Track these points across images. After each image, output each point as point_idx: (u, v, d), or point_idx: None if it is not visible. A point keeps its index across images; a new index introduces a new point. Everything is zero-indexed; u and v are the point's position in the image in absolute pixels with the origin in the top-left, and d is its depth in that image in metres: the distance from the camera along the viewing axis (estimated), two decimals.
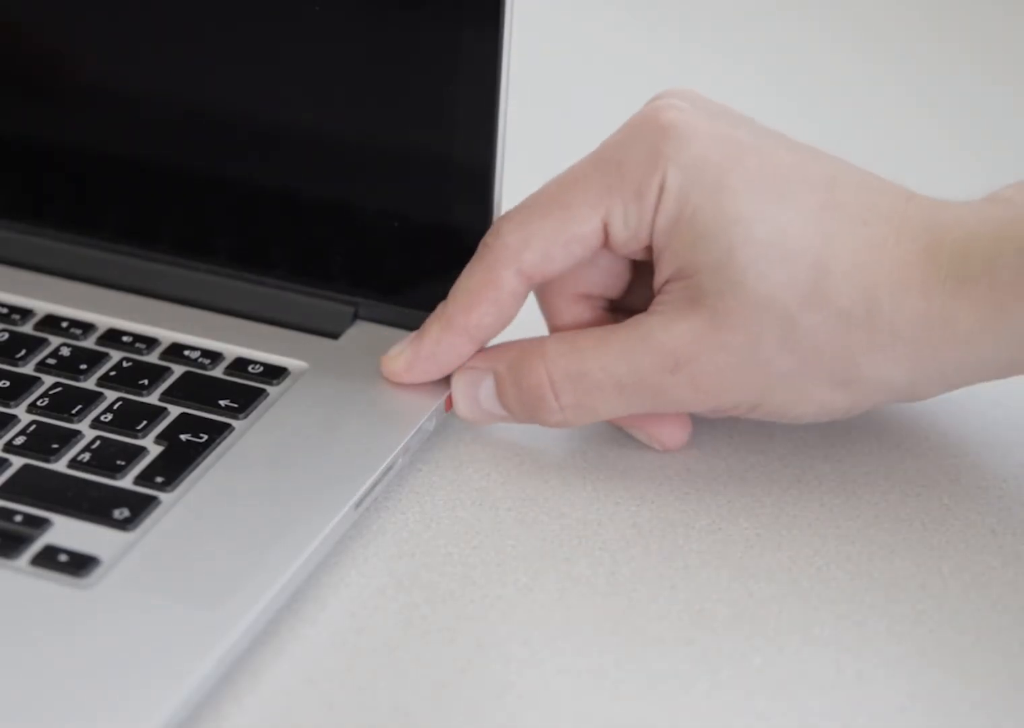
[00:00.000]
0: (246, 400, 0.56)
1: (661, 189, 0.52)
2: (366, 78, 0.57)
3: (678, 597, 0.51)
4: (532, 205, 0.54)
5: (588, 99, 0.82)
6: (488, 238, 0.54)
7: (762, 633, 0.50)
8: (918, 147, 0.78)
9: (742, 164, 0.52)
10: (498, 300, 0.54)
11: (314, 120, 0.59)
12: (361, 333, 0.59)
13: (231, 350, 0.58)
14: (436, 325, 0.55)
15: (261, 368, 0.57)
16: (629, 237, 0.53)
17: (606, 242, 0.53)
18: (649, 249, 0.53)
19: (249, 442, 0.54)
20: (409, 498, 0.55)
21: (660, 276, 0.53)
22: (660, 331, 0.52)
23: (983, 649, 0.50)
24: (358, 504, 0.52)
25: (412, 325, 0.58)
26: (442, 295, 0.56)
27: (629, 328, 0.53)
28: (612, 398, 0.53)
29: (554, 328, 0.57)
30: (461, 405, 0.55)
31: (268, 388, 0.57)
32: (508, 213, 0.54)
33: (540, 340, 0.54)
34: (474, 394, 0.55)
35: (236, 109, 0.60)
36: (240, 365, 0.57)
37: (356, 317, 0.60)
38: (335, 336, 0.59)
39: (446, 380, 0.56)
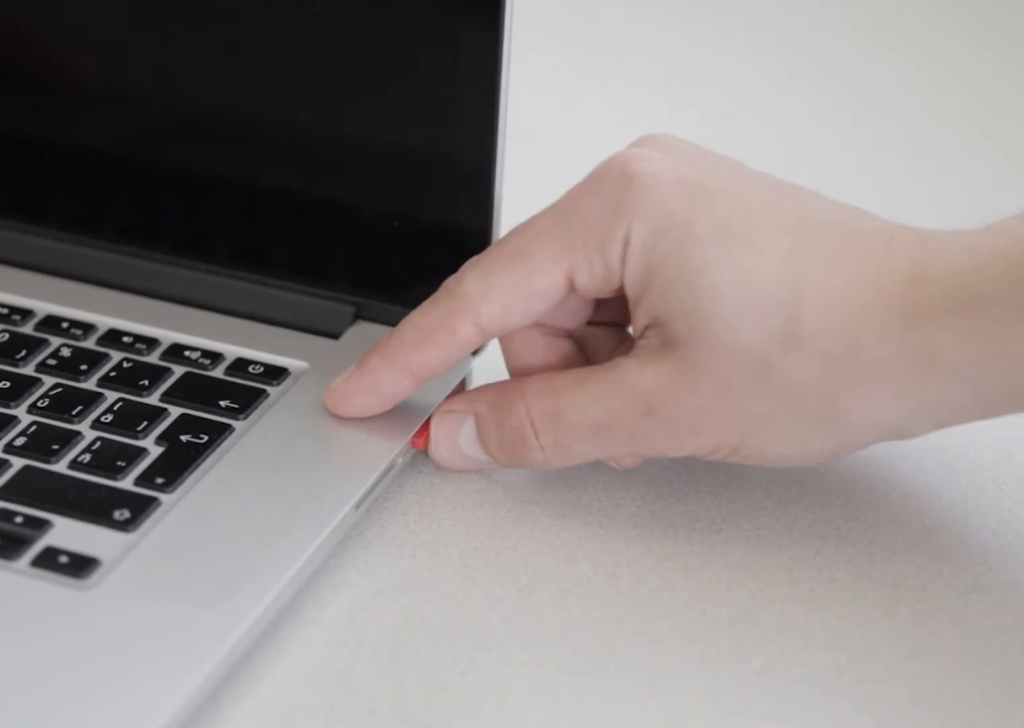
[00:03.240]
0: (247, 401, 0.56)
1: (626, 242, 0.51)
2: (366, 78, 0.57)
3: (679, 598, 0.51)
4: (496, 255, 0.53)
5: (588, 99, 0.82)
6: (451, 283, 0.53)
7: (763, 634, 0.50)
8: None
9: (708, 211, 0.50)
10: (448, 346, 0.53)
11: (314, 120, 0.59)
12: (362, 333, 0.59)
13: (231, 350, 0.58)
14: (376, 358, 0.54)
15: (261, 368, 0.57)
16: (598, 287, 0.52)
17: (572, 291, 0.52)
18: (622, 296, 0.53)
19: (250, 443, 0.54)
20: (409, 499, 0.55)
21: (638, 324, 0.52)
22: (632, 374, 0.51)
23: (984, 650, 0.50)
24: (358, 505, 0.52)
25: None
26: None
27: (605, 370, 0.52)
28: (588, 439, 0.52)
29: (512, 362, 0.56)
30: (441, 450, 0.55)
31: (269, 389, 0.57)
32: (474, 260, 0.53)
33: (519, 380, 0.54)
34: (453, 439, 0.54)
35: (236, 109, 0.60)
36: (240, 365, 0.57)
37: (357, 317, 0.60)
38: (336, 336, 0.59)
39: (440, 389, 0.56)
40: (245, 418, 0.55)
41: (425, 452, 0.56)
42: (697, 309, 0.50)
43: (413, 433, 0.55)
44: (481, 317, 0.53)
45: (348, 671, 0.49)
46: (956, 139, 0.79)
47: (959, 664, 0.49)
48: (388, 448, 0.54)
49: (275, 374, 0.57)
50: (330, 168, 0.59)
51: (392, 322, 0.59)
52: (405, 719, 0.47)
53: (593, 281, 0.52)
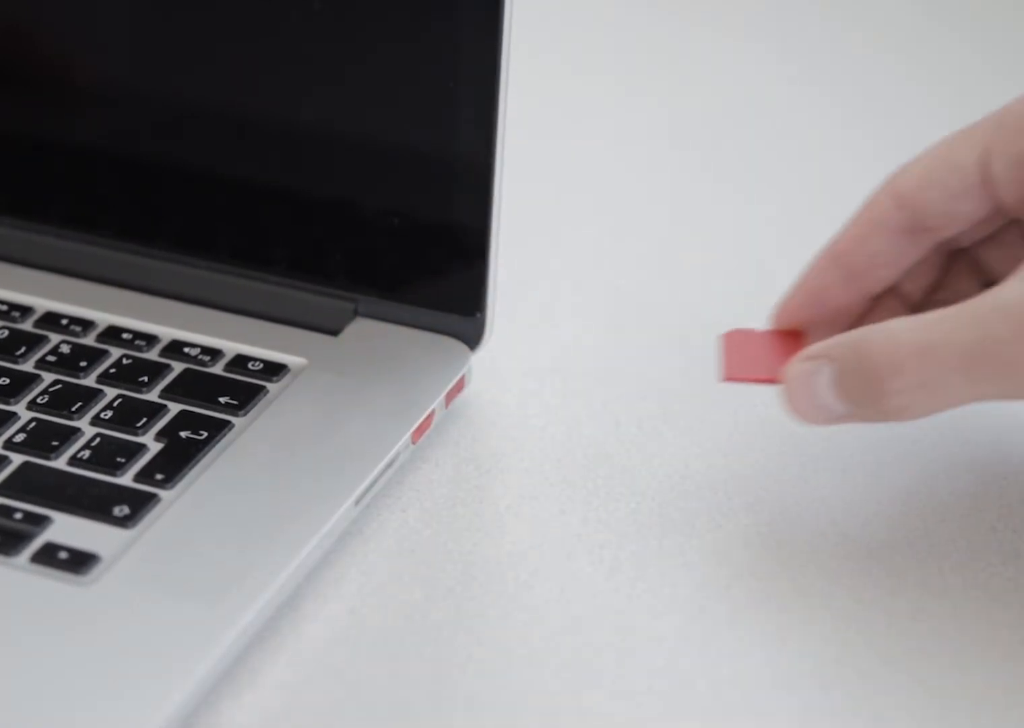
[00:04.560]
0: (246, 397, 0.56)
1: None
2: (366, 76, 0.57)
3: (678, 594, 0.51)
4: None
5: (588, 98, 0.82)
6: None
7: (762, 631, 0.50)
8: None
9: None
10: (869, 222, 0.52)
11: (314, 118, 0.59)
12: (361, 330, 0.59)
13: (231, 347, 0.58)
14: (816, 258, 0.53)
15: (261, 365, 0.57)
16: (1012, 176, 0.50)
17: (989, 178, 0.51)
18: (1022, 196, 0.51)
19: (249, 439, 0.54)
20: (409, 495, 0.55)
21: None
22: (1014, 293, 0.47)
23: (983, 647, 0.50)
24: (358, 501, 0.52)
25: (412, 322, 0.58)
26: (441, 292, 0.56)
27: (984, 297, 0.48)
28: (960, 375, 0.48)
29: (887, 276, 0.54)
30: (797, 401, 0.51)
31: (268, 385, 0.57)
32: None
33: (882, 322, 0.50)
34: (810, 388, 0.51)
35: (236, 107, 0.60)
36: (240, 362, 0.57)
37: (356, 314, 0.60)
38: (335, 333, 0.59)
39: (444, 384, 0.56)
40: (244, 414, 0.55)
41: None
42: None
43: (413, 429, 0.55)
44: (899, 187, 0.52)
45: (347, 667, 0.49)
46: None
47: (959, 662, 0.49)
48: (388, 444, 0.54)
49: (274, 370, 0.57)
50: (330, 166, 0.59)
51: (392, 319, 0.59)
52: (405, 716, 0.47)
53: (1008, 168, 0.50)
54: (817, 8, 0.91)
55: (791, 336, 0.55)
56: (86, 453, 0.53)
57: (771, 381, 0.53)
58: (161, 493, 0.52)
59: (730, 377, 0.54)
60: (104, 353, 0.58)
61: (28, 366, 0.57)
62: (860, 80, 0.84)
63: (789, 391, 0.52)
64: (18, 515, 0.51)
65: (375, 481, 0.53)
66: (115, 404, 0.55)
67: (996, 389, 0.49)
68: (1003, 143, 0.51)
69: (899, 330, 0.49)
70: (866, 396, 0.50)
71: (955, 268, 0.56)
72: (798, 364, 0.51)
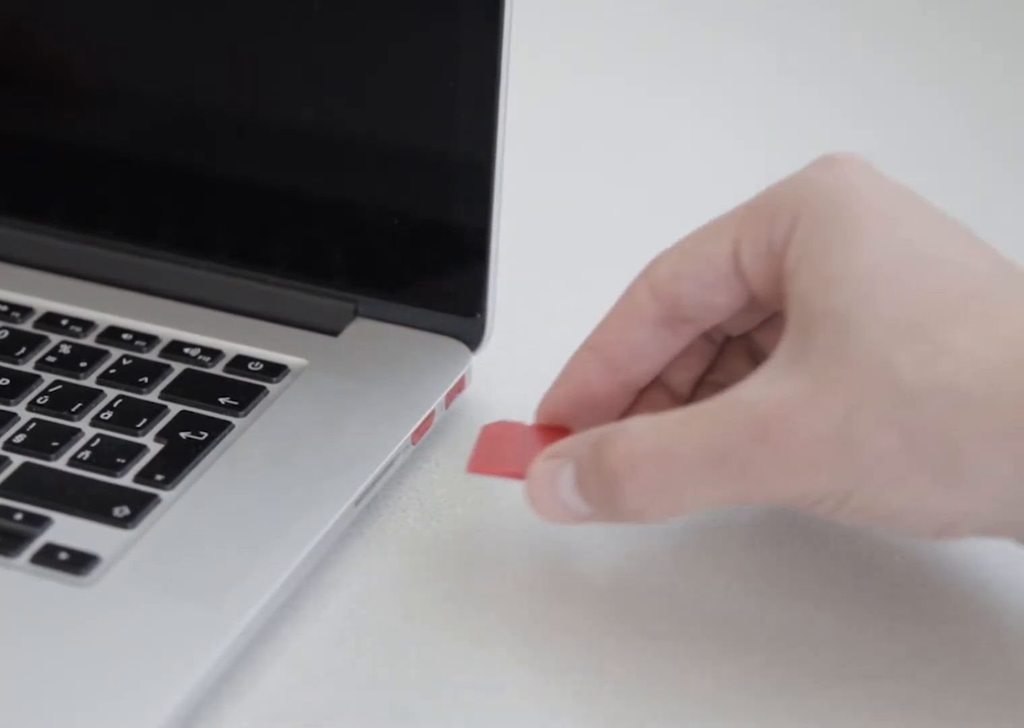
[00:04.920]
0: (246, 398, 0.56)
1: (795, 218, 0.47)
2: (366, 76, 0.57)
3: (678, 595, 0.51)
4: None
5: (589, 98, 0.82)
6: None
7: (763, 631, 0.50)
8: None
9: (903, 220, 0.47)
10: (627, 313, 0.51)
11: (314, 118, 0.59)
12: (361, 330, 0.59)
13: (231, 347, 0.58)
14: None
15: (261, 365, 0.57)
16: (758, 267, 0.49)
17: (738, 268, 0.49)
18: (775, 288, 0.49)
19: (249, 440, 0.54)
20: (409, 496, 0.55)
21: (784, 325, 0.48)
22: (753, 393, 0.46)
23: (984, 647, 0.50)
24: (358, 501, 0.52)
25: (412, 322, 0.58)
26: (441, 292, 0.56)
27: (720, 397, 0.47)
28: (696, 479, 0.47)
29: (643, 363, 0.52)
30: (538, 499, 0.50)
31: (268, 385, 0.57)
32: None
33: (623, 421, 0.49)
34: (552, 487, 0.49)
35: (236, 107, 0.60)
36: (240, 362, 0.57)
37: (356, 314, 0.60)
38: (335, 333, 0.59)
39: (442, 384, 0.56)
40: (245, 415, 0.55)
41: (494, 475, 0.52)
42: (851, 310, 0.45)
43: (413, 429, 0.55)
44: (654, 278, 0.50)
45: (348, 668, 0.49)
46: (956, 138, 0.79)
47: (960, 662, 0.49)
48: (388, 444, 0.54)
49: (274, 371, 0.57)
50: (330, 166, 0.59)
51: (392, 319, 0.59)
52: (405, 717, 0.47)
53: (756, 258, 0.49)
54: (818, 8, 0.91)
55: (553, 431, 0.52)
56: (86, 454, 0.53)
57: (517, 476, 0.51)
58: (161, 494, 0.52)
59: (474, 469, 0.52)
60: (104, 354, 0.58)
61: (28, 367, 0.57)
62: (862, 80, 0.84)
63: (531, 489, 0.50)
64: (18, 516, 0.51)
65: (375, 481, 0.53)
66: (115, 405, 0.55)
67: (734, 492, 0.47)
68: (752, 234, 0.49)
69: (638, 430, 0.48)
70: (603, 498, 0.48)
71: (730, 348, 0.54)
72: (541, 462, 0.50)
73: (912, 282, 0.46)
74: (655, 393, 0.53)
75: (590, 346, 0.52)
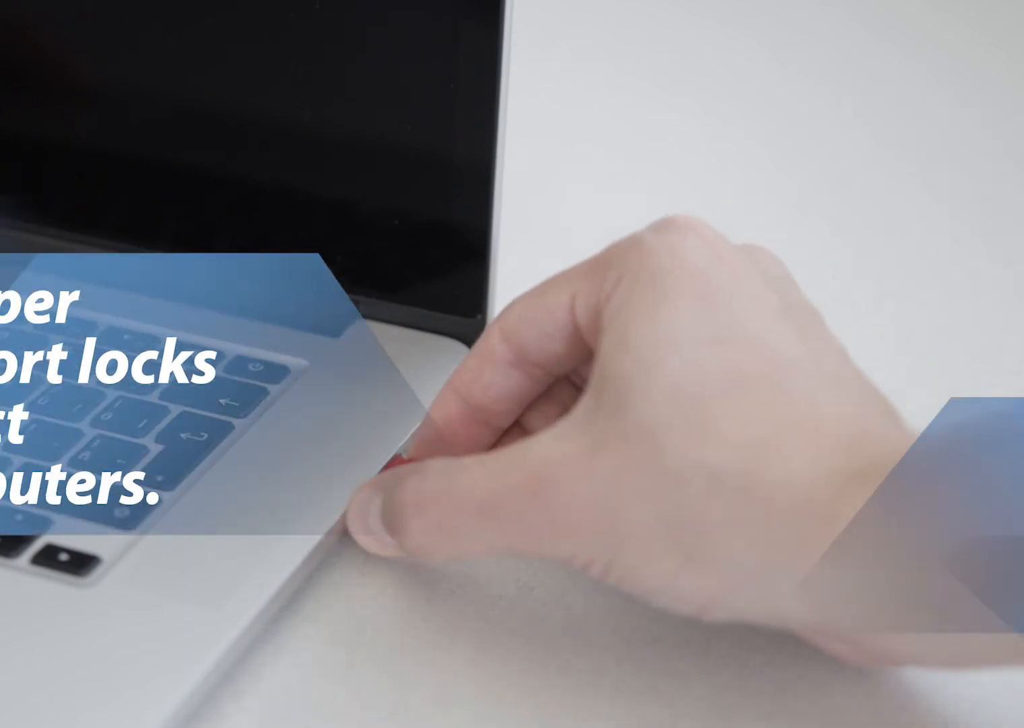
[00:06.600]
0: (246, 399, 0.56)
1: (619, 279, 0.48)
2: (366, 76, 0.57)
3: None
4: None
5: (589, 98, 0.82)
6: None
7: (762, 632, 0.50)
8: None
9: (713, 293, 0.47)
10: (482, 354, 0.51)
11: (314, 118, 0.59)
12: (361, 331, 0.59)
13: (231, 348, 0.58)
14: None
15: (261, 367, 0.57)
16: (586, 319, 0.49)
17: (576, 325, 0.50)
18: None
19: (250, 441, 0.54)
20: None
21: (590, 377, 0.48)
22: (537, 448, 0.47)
23: None
24: None
25: (412, 323, 0.58)
26: (442, 293, 0.56)
27: (516, 445, 0.48)
28: (472, 523, 0.48)
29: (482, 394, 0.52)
30: (351, 526, 0.52)
31: (268, 387, 0.57)
32: None
33: (426, 460, 0.50)
34: (364, 515, 0.51)
35: (236, 107, 0.60)
36: (240, 364, 0.57)
37: (356, 315, 0.60)
38: (336, 334, 0.59)
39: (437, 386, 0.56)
40: (245, 416, 0.55)
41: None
42: (635, 377, 0.46)
43: (412, 432, 0.55)
44: (503, 321, 0.51)
45: (349, 669, 0.49)
46: (956, 138, 0.79)
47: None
48: (389, 445, 0.54)
49: (275, 372, 0.57)
50: (330, 166, 0.59)
51: (392, 320, 0.59)
52: (406, 718, 0.47)
53: (587, 312, 0.49)
54: (820, 5, 0.91)
55: None
56: (86, 455, 0.53)
57: None
58: (161, 495, 0.52)
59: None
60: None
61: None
62: (863, 77, 0.84)
63: (348, 516, 0.52)
64: (18, 517, 0.51)
65: None
66: (115, 405, 0.55)
67: (508, 544, 0.48)
68: (587, 288, 0.49)
69: (431, 470, 0.49)
70: (395, 532, 0.50)
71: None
72: (359, 492, 0.51)
73: (702, 356, 0.46)
74: (516, 436, 0.53)
75: (452, 386, 0.52)
